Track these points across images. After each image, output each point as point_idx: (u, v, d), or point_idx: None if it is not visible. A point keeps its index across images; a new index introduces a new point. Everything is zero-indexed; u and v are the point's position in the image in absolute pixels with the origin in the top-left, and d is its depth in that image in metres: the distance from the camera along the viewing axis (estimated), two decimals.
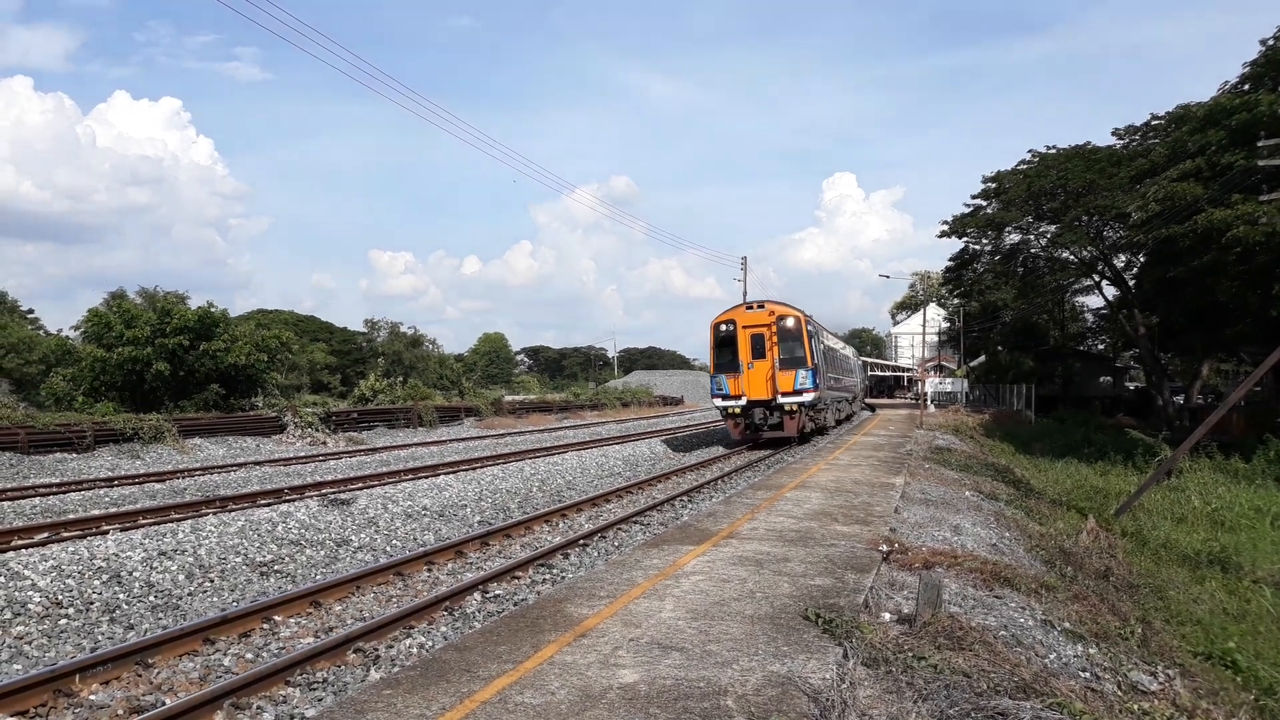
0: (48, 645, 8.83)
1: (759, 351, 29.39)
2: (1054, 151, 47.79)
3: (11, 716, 6.63)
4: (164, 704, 6.83)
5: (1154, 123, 44.44)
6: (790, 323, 29.41)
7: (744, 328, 29.62)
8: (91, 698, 7.07)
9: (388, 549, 13.90)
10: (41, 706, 6.85)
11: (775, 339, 29.21)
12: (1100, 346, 75.05)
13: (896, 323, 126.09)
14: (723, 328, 29.97)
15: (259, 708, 6.73)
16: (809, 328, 29.95)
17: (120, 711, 6.80)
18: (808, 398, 29.03)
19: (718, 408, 30.61)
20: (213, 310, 40.08)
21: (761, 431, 29.73)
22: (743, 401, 29.36)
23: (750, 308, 30.43)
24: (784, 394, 28.94)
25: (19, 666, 8.20)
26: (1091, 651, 8.28)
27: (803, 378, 28.94)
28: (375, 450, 31.97)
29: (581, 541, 13.28)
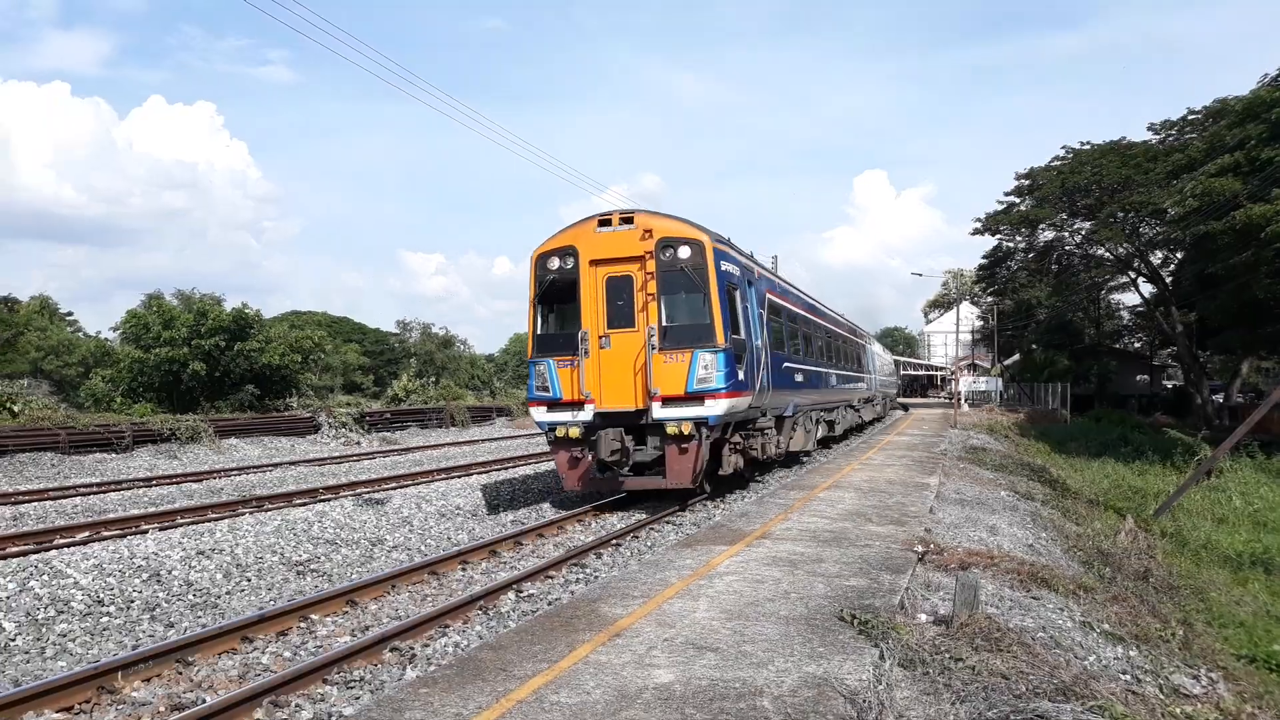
0: (90, 642, 8.97)
1: (622, 312, 15.59)
2: (1088, 147, 47.23)
3: (57, 713, 6.74)
4: (204, 701, 6.90)
5: (1191, 117, 43.81)
6: (685, 253, 15.21)
7: (593, 264, 15.67)
8: (134, 695, 7.17)
9: (422, 548, 13.98)
10: (86, 703, 6.96)
11: (655, 286, 15.27)
12: (1137, 344, 74.15)
13: (929, 321, 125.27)
14: (552, 263, 15.87)
15: (298, 705, 6.80)
16: (724, 266, 15.82)
17: (162, 709, 6.89)
18: (719, 408, 14.93)
19: (539, 426, 16.27)
20: (247, 311, 40.61)
21: (619, 475, 15.48)
22: (586, 415, 15.34)
23: (607, 223, 15.76)
24: (667, 400, 14.91)
25: (63, 664, 8.33)
26: (1132, 654, 8.19)
27: (707, 367, 14.95)
28: (408, 450, 32.19)
29: (614, 541, 13.29)
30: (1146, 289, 55.18)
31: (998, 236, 56.54)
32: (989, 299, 77.62)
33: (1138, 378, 70.42)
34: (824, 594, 8.31)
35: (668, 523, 15.04)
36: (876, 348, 48.93)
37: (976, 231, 54.84)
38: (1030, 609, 8.80)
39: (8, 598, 9.67)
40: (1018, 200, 51.94)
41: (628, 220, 15.52)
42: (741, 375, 15.61)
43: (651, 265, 15.18)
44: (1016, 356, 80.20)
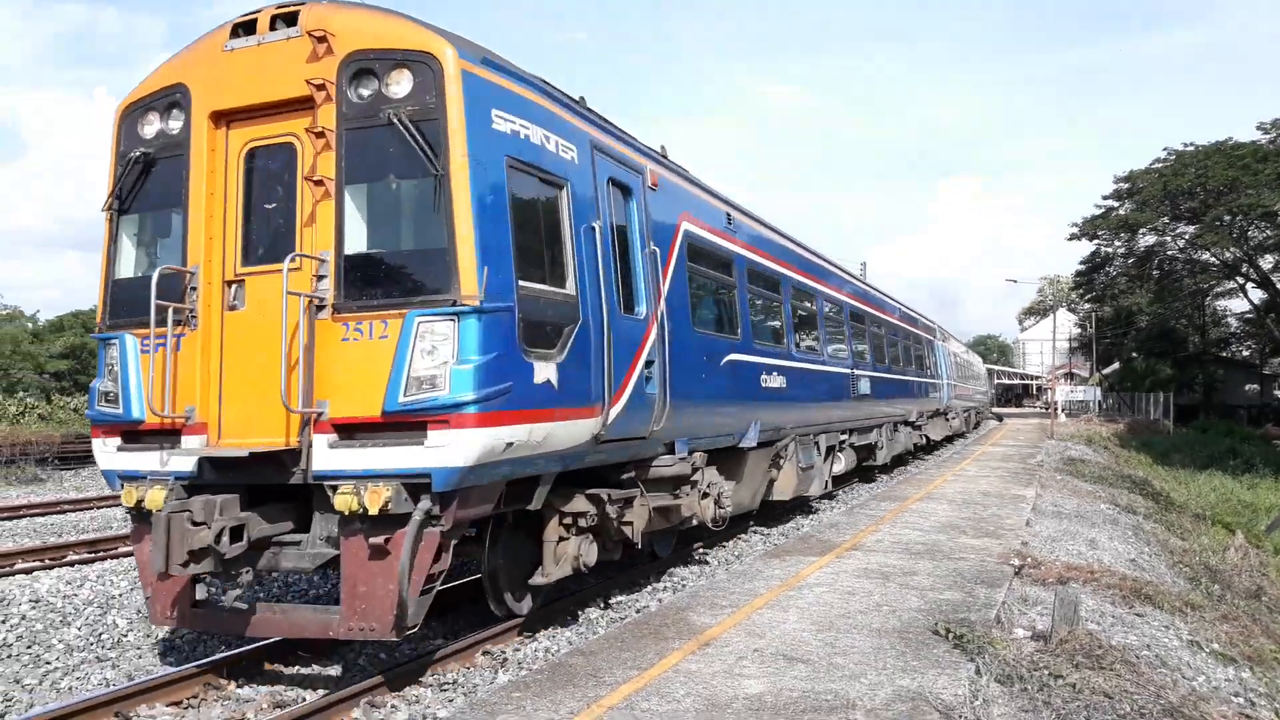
0: (196, 641, 9.31)
1: (271, 226, 7.39)
2: (1192, 149, 45.59)
3: (168, 706, 7.01)
4: (304, 700, 7.10)
5: None
6: (399, 85, 6.90)
7: (219, 120, 7.44)
8: (239, 692, 7.41)
9: None
10: (194, 699, 7.22)
11: (336, 164, 6.97)
12: (1245, 353, 71.14)
13: (1024, 329, 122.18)
14: (146, 126, 7.64)
15: (393, 706, 6.94)
16: (504, 124, 7.33)
17: (264, 705, 7.11)
18: (464, 449, 6.56)
19: (106, 479, 7.81)
20: None
21: (227, 606, 7.65)
22: (182, 461, 7.09)
23: (247, 31, 7.30)
24: (345, 430, 6.75)
25: (172, 659, 8.67)
26: (1244, 675, 7.86)
27: (435, 350, 6.59)
28: None
29: (700, 549, 13.26)
30: (1256, 295, 53.05)
31: (1096, 242, 55.17)
32: (1087, 306, 75.50)
33: (1246, 387, 67.53)
34: (917, 607, 8.17)
35: (755, 532, 14.87)
36: (955, 347, 39.94)
37: (1073, 237, 53.62)
38: (1134, 626, 8.51)
39: (128, 590, 10.10)
40: (1117, 204, 50.53)
41: (288, 20, 7.24)
42: (552, 373, 7.50)
43: (332, 115, 7.03)
44: (1116, 365, 77.68)
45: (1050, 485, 19.55)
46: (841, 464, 17.84)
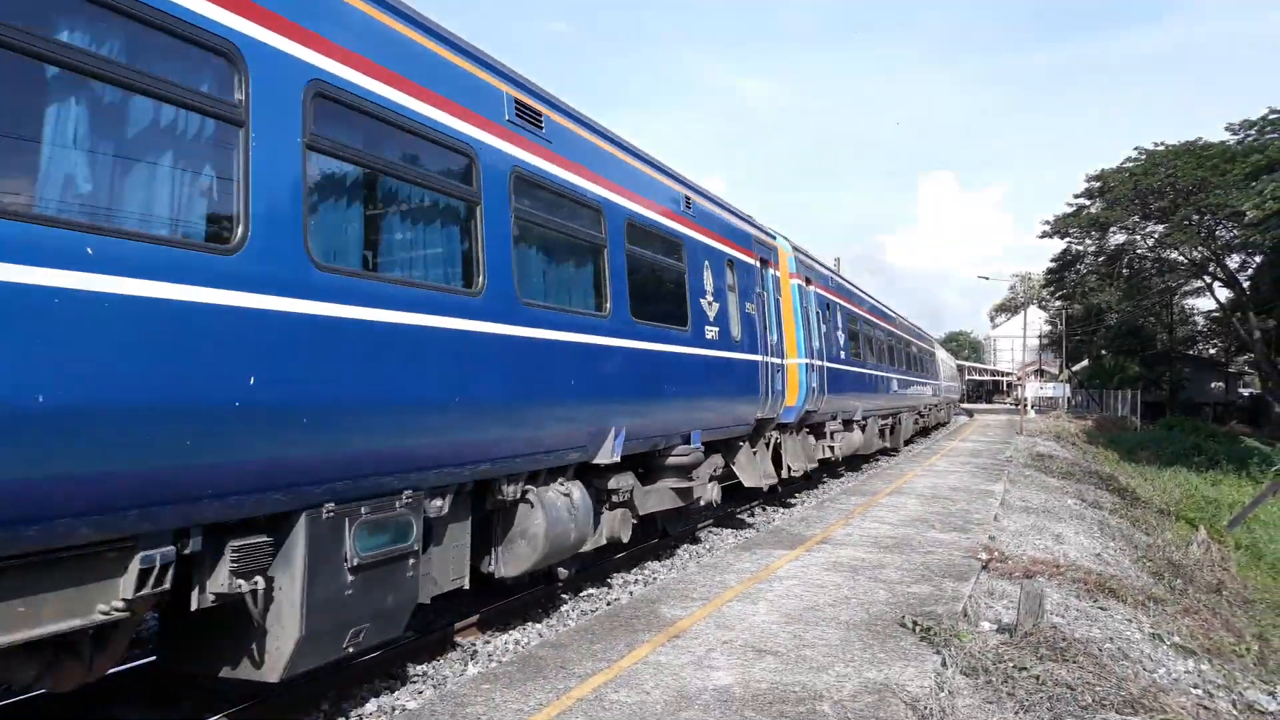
0: None
1: None
2: (1162, 148, 46.08)
3: None
4: (271, 693, 7.07)
5: (1272, 116, 42.46)
6: None
7: None
8: None
9: None
10: None
11: None
12: (1211, 351, 72.19)
13: (995, 326, 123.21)
14: None
15: (362, 699, 6.93)
16: None
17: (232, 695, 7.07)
18: None
19: None
20: None
21: None
22: None
23: None
24: None
25: None
26: (1204, 668, 7.99)
27: None
28: None
29: (672, 543, 13.31)
30: (1222, 294, 53.85)
31: (1067, 240, 55.70)
32: (1057, 303, 76.26)
33: (1212, 385, 68.58)
34: (885, 600, 8.25)
35: (726, 526, 15.01)
36: (855, 302, 22.59)
37: (1045, 235, 54.10)
38: (1097, 619, 8.64)
39: None
40: (1088, 203, 51.02)
41: None
42: None
43: None
44: (1085, 362, 78.61)
45: (1019, 481, 19.76)
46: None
